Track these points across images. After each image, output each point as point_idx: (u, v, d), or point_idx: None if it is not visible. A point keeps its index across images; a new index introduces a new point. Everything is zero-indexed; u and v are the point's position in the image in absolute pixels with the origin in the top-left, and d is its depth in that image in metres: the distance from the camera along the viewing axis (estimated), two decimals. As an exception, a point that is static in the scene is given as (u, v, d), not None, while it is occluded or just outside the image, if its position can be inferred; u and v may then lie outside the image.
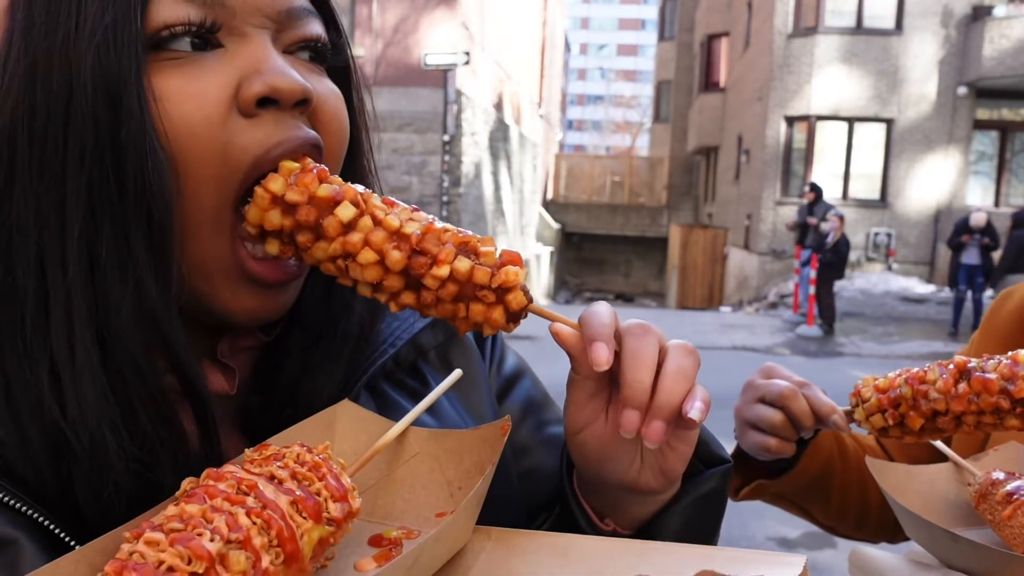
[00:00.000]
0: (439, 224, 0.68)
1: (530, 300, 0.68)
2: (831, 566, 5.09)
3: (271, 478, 0.57)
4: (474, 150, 17.07)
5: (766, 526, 5.44)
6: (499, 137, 19.72)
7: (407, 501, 0.71)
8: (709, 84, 27.23)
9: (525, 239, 24.16)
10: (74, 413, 0.59)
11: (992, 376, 0.92)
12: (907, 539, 1.45)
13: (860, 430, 1.10)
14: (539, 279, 24.07)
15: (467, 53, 14.84)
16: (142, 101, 0.61)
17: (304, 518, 0.56)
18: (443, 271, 0.65)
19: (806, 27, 18.05)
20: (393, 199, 0.70)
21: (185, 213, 0.64)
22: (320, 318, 0.76)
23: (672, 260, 26.53)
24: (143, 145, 0.60)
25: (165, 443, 0.63)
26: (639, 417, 0.68)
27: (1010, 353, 0.95)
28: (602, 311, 0.71)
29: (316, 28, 0.72)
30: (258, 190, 0.65)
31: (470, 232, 0.68)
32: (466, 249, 0.67)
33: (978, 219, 13.08)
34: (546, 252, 25.79)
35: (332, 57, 0.75)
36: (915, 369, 1.02)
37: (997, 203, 18.02)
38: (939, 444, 1.02)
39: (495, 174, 19.26)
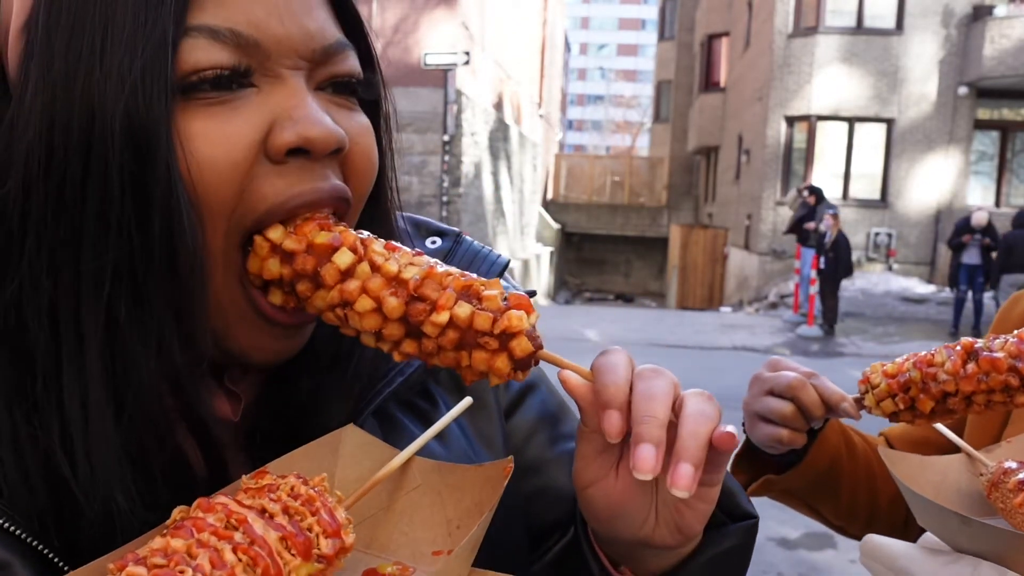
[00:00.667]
0: (441, 268, 0.65)
1: (538, 346, 0.65)
2: (831, 566, 5.09)
3: (262, 511, 0.55)
4: (474, 150, 17.06)
5: (766, 526, 5.43)
6: (499, 137, 19.72)
7: (405, 535, 0.69)
8: (709, 84, 27.22)
9: (525, 239, 24.17)
10: (85, 475, 0.57)
11: (1000, 355, 0.94)
12: (916, 539, 1.45)
13: (868, 425, 1.10)
14: (539, 279, 24.07)
15: (467, 53, 14.84)
16: (171, 156, 0.57)
17: (293, 555, 0.54)
18: (442, 317, 0.62)
19: (806, 27, 18.04)
20: (397, 244, 0.67)
21: (201, 256, 0.61)
22: (331, 344, 0.73)
23: (672, 260, 26.53)
24: (172, 202, 0.57)
25: (174, 501, 0.60)
26: (654, 455, 0.62)
27: (1016, 332, 0.97)
28: (618, 364, 0.67)
29: (351, 63, 0.69)
30: (257, 239, 0.64)
31: (474, 276, 0.66)
32: (468, 294, 0.64)
33: (979, 218, 13.07)
34: (546, 252, 25.80)
35: (364, 91, 0.72)
36: (922, 353, 1.03)
37: (998, 203, 18.01)
38: (951, 435, 1.03)
39: (495, 174, 19.26)
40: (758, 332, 13.98)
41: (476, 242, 0.87)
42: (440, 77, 14.82)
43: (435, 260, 0.66)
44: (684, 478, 0.61)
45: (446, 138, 15.37)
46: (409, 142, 15.46)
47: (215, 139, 0.60)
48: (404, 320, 0.63)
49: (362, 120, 0.70)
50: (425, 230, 0.87)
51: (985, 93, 17.76)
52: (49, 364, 0.58)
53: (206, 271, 0.61)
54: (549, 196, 32.62)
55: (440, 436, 0.77)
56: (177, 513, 0.55)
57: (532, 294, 0.89)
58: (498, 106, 19.62)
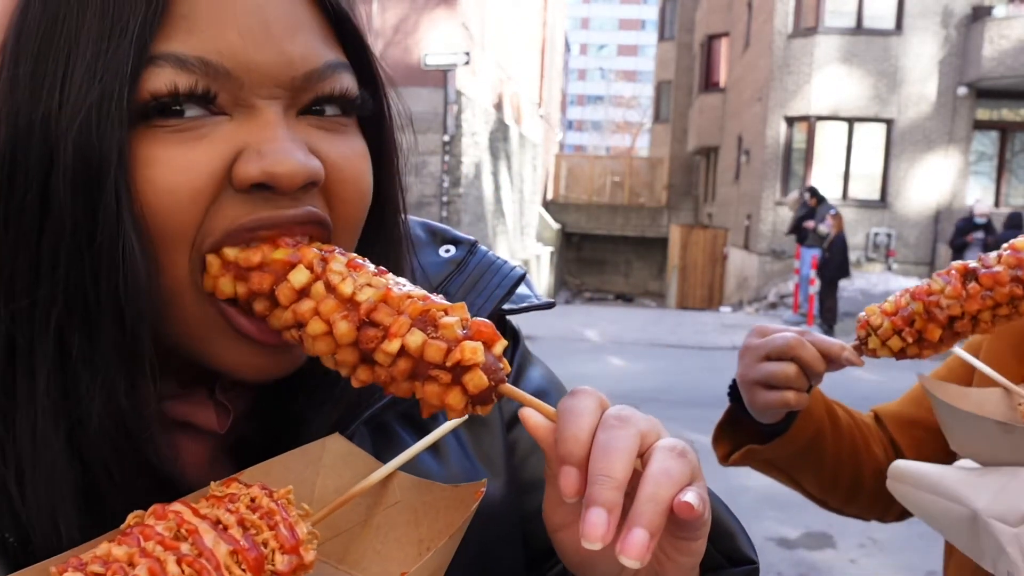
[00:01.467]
0: (399, 291, 0.60)
1: (498, 380, 0.59)
2: (831, 566, 5.09)
3: (216, 523, 0.54)
4: (474, 150, 17.06)
5: (766, 526, 5.44)
6: (499, 137, 19.72)
7: (378, 552, 0.67)
8: (709, 84, 27.22)
9: (525, 239, 24.17)
10: (32, 507, 0.56)
11: (999, 268, 0.97)
12: (897, 519, 1.46)
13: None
14: (539, 279, 24.06)
15: (467, 53, 14.83)
16: (121, 194, 0.55)
17: (243, 570, 0.52)
18: (393, 346, 0.58)
19: (806, 27, 18.04)
20: (361, 261, 0.63)
21: (164, 283, 0.59)
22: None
23: (672, 260, 26.52)
24: (117, 245, 0.55)
25: None
26: (606, 520, 0.54)
27: (1007, 244, 1.00)
28: (582, 411, 0.59)
29: (341, 84, 0.64)
30: (208, 256, 0.60)
31: (439, 299, 0.61)
32: (424, 320, 0.59)
33: (982, 207, 13.11)
34: (546, 252, 25.79)
35: (361, 107, 0.67)
36: (915, 285, 1.06)
37: (997, 203, 18.01)
38: (988, 370, 1.05)
39: (495, 174, 19.26)
40: (758, 332, 13.96)
41: (491, 252, 0.84)
42: (440, 77, 14.81)
43: (399, 280, 0.62)
44: (635, 547, 0.53)
45: (446, 138, 15.36)
46: (409, 142, 15.39)
47: (177, 166, 0.57)
48: (356, 346, 0.59)
49: (352, 145, 0.66)
50: (441, 238, 0.83)
51: (984, 93, 17.76)
52: (3, 395, 0.57)
53: (159, 283, 0.59)
54: (549, 196, 32.61)
55: (437, 452, 0.75)
56: (132, 518, 0.54)
57: (551, 305, 0.86)
58: (498, 106, 19.61)
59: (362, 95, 0.67)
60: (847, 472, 1.37)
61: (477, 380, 0.58)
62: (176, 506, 0.54)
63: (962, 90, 17.48)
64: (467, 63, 14.96)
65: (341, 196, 0.65)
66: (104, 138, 0.55)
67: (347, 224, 0.66)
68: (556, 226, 29.47)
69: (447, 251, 0.82)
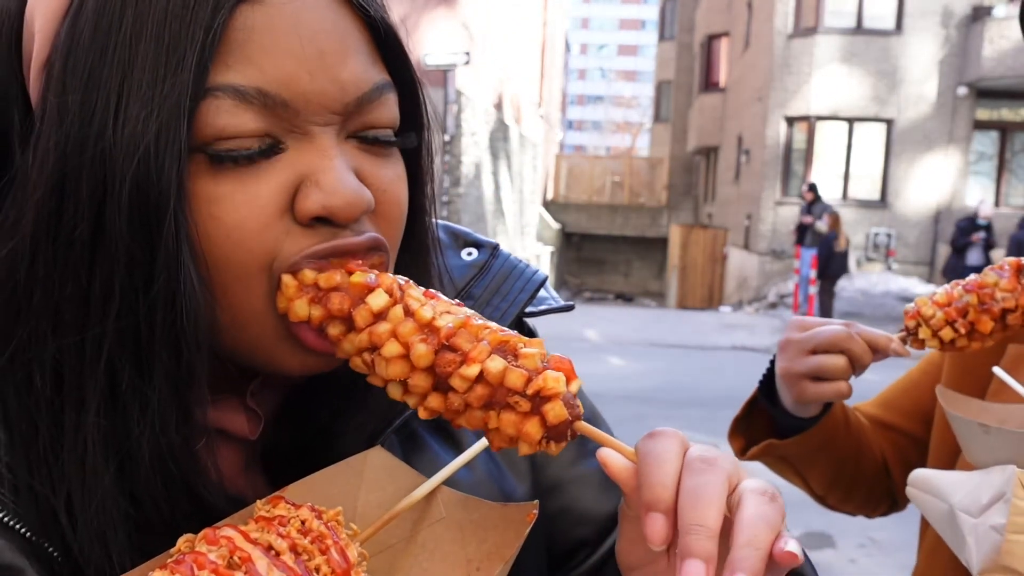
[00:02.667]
0: (478, 321, 0.60)
1: (576, 416, 0.58)
2: (831, 566, 5.09)
3: (268, 548, 0.53)
4: (474, 150, 17.06)
5: (766, 526, 5.43)
6: (499, 137, 19.72)
7: (425, 570, 0.66)
8: (709, 84, 27.22)
9: (525, 239, 24.17)
10: (83, 534, 0.56)
11: None
12: (883, 515, 1.48)
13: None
14: (539, 279, 24.03)
15: (467, 53, 14.83)
16: (180, 228, 0.54)
17: None
18: (472, 370, 0.57)
19: (806, 27, 18.05)
20: (436, 292, 0.63)
21: (239, 310, 0.60)
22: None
23: (672, 260, 26.52)
24: (176, 279, 0.55)
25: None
26: (704, 571, 0.53)
27: None
28: (666, 455, 0.57)
29: (387, 111, 0.65)
30: (284, 276, 0.60)
31: (514, 333, 0.60)
32: (504, 349, 0.59)
33: (986, 210, 13.11)
34: (546, 252, 25.79)
35: (404, 139, 0.68)
36: (967, 279, 1.07)
37: (997, 203, 18.01)
38: (1013, 383, 1.05)
39: (495, 174, 19.26)
40: (757, 332, 13.98)
41: (513, 256, 0.84)
42: (440, 77, 14.81)
43: (473, 312, 0.62)
44: None
45: (446, 138, 15.36)
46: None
47: (240, 201, 0.57)
48: (432, 371, 0.58)
49: (395, 169, 0.67)
50: (463, 241, 0.83)
51: (984, 93, 17.76)
52: (51, 422, 0.56)
53: (221, 313, 0.59)
54: (549, 196, 32.61)
55: None
56: (183, 543, 0.54)
57: (570, 307, 0.86)
58: (498, 106, 19.61)
59: (408, 113, 0.68)
60: (849, 469, 1.39)
61: (558, 410, 0.57)
62: (227, 531, 0.54)
63: (962, 90, 17.48)
64: (467, 63, 14.96)
65: (386, 218, 0.65)
66: (163, 172, 0.54)
67: (392, 244, 0.67)
68: (556, 226, 29.48)
69: (469, 254, 0.82)
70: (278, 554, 0.53)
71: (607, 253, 32.78)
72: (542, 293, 0.83)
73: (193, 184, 0.56)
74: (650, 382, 9.70)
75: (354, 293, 0.60)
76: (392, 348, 0.58)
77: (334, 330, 0.60)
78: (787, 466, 1.38)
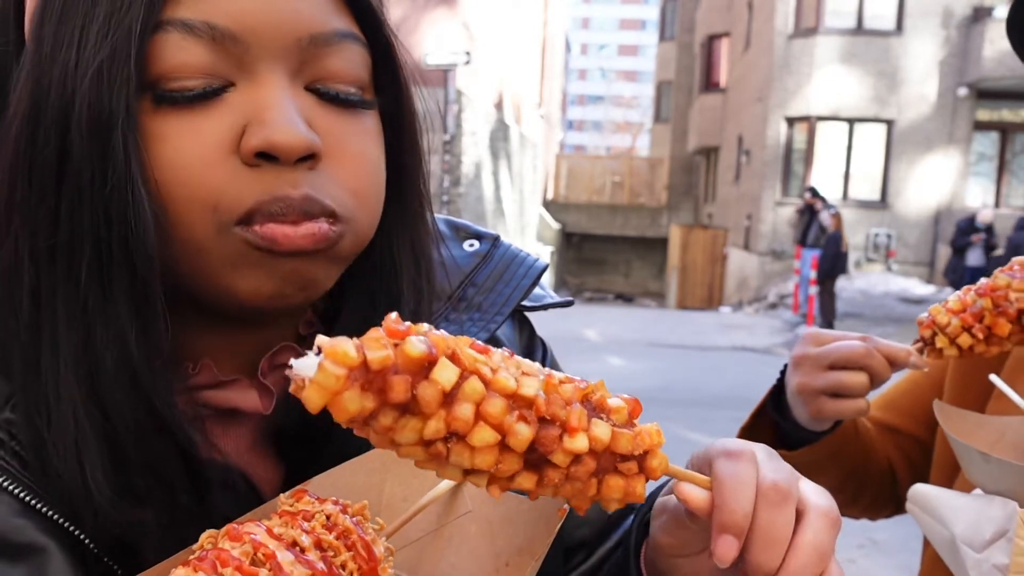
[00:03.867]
0: (556, 376, 0.52)
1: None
2: (830, 566, 5.09)
3: (292, 544, 0.52)
4: (474, 150, 17.06)
5: (765, 526, 5.43)
6: (499, 137, 19.71)
7: (452, 565, 0.64)
8: (709, 84, 27.21)
9: (525, 239, 24.16)
10: (60, 449, 0.58)
11: None
12: (887, 517, 1.46)
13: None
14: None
15: (467, 53, 14.83)
16: (129, 146, 0.57)
17: None
18: (579, 443, 0.50)
19: (806, 28, 18.04)
20: (478, 341, 0.52)
21: (179, 246, 0.60)
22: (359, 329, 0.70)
23: (672, 260, 26.51)
24: (127, 196, 0.57)
25: (151, 495, 0.60)
26: None
27: None
28: (743, 476, 0.58)
29: (349, 64, 0.63)
30: (324, 363, 0.45)
31: (578, 379, 0.54)
32: (592, 404, 0.52)
33: (986, 216, 13.10)
34: (546, 252, 25.79)
35: (379, 101, 0.67)
36: (978, 283, 1.05)
37: (997, 204, 18.01)
38: (1011, 393, 1.03)
39: (495, 174, 19.25)
40: (757, 332, 13.98)
41: (513, 245, 0.84)
42: (440, 77, 14.81)
43: (537, 363, 0.54)
44: None
45: (446, 138, 15.36)
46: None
47: (185, 138, 0.59)
48: (526, 452, 0.50)
49: (358, 125, 0.65)
50: (464, 233, 0.83)
51: (985, 94, 17.75)
52: (30, 348, 0.59)
53: (186, 251, 0.60)
54: (549, 196, 32.60)
55: None
56: (205, 539, 0.53)
57: (570, 303, 0.86)
58: (498, 106, 19.61)
59: (381, 76, 0.67)
60: (857, 475, 1.37)
61: (659, 462, 0.54)
62: (250, 527, 0.52)
63: (962, 91, 17.48)
64: (467, 63, 14.96)
65: (344, 172, 0.63)
66: (114, 95, 0.56)
67: (360, 205, 0.64)
68: (556, 226, 29.47)
69: (471, 245, 0.83)
70: (303, 550, 0.52)
71: (607, 253, 32.78)
72: (538, 290, 0.83)
73: (142, 122, 0.58)
74: (650, 382, 9.69)
75: (411, 368, 0.47)
76: (485, 435, 0.48)
77: (385, 420, 0.47)
78: None
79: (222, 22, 0.58)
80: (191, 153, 0.59)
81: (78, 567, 0.58)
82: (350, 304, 0.72)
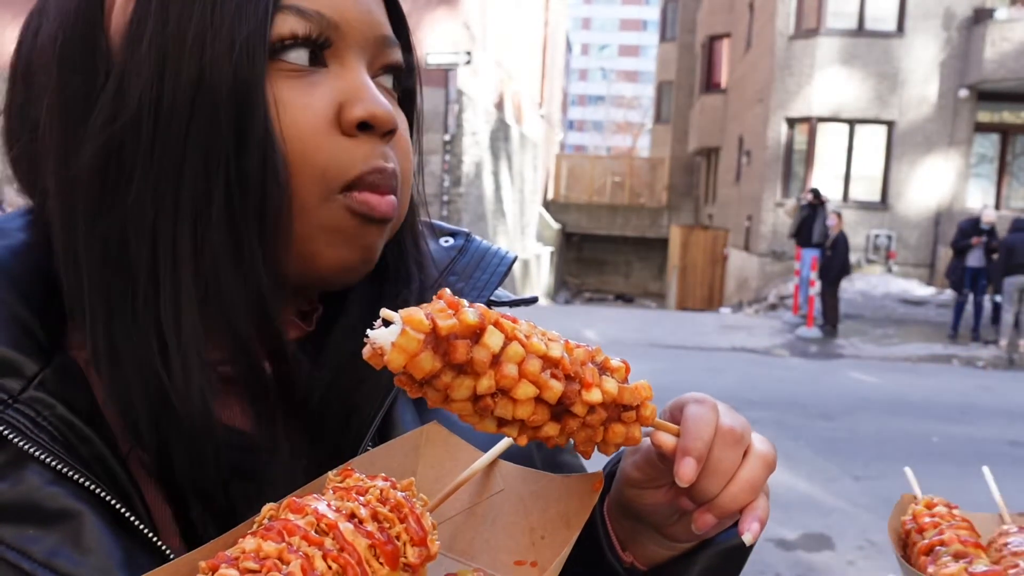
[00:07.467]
0: (571, 341, 0.63)
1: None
2: (829, 567, 5.09)
3: (351, 516, 0.55)
4: (475, 150, 17.06)
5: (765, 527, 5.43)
6: (500, 137, 19.72)
7: (486, 541, 0.68)
8: (710, 85, 27.23)
9: (525, 239, 24.17)
10: (180, 383, 0.62)
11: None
12: None
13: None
14: (539, 279, 24.07)
15: (468, 53, 14.84)
16: (266, 107, 0.64)
17: (380, 564, 0.54)
18: (595, 396, 0.60)
19: (807, 29, 18.05)
20: (509, 314, 0.62)
21: (294, 203, 0.67)
22: (366, 307, 0.75)
23: (672, 261, 26.53)
24: (266, 145, 0.63)
25: (273, 423, 0.67)
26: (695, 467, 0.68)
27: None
28: (705, 418, 0.68)
29: (399, 56, 0.75)
30: (406, 330, 0.54)
31: (585, 345, 0.64)
32: (598, 365, 0.62)
33: (989, 216, 13.07)
34: (546, 252, 25.80)
35: (403, 85, 0.78)
36: None
37: (997, 206, 18.01)
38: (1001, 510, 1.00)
39: (496, 174, 19.26)
40: (757, 333, 13.98)
41: (484, 241, 0.91)
42: (441, 77, 14.81)
43: (554, 331, 0.64)
44: (706, 523, 0.70)
45: (447, 137, 15.36)
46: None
47: (299, 106, 0.66)
48: (552, 404, 0.59)
49: (401, 113, 0.76)
50: (439, 232, 0.90)
51: (985, 96, 17.76)
52: (148, 283, 0.63)
53: (293, 210, 0.65)
54: (550, 196, 32.61)
55: None
56: (267, 510, 0.56)
57: (534, 300, 0.93)
58: (499, 106, 19.61)
59: (405, 76, 0.77)
60: None
61: (650, 412, 0.65)
62: (309, 499, 0.56)
63: (963, 92, 17.48)
64: (468, 62, 14.97)
65: (401, 153, 0.73)
66: (254, 66, 0.64)
67: (405, 185, 0.74)
68: (556, 226, 29.48)
69: (447, 242, 0.90)
70: (361, 522, 0.55)
71: (607, 253, 32.81)
72: (500, 291, 0.90)
73: (268, 85, 0.65)
74: (650, 382, 9.67)
75: (467, 334, 0.56)
76: (526, 390, 0.58)
77: (446, 379, 0.56)
78: None
79: (328, 12, 0.68)
80: (305, 122, 0.66)
81: (117, 531, 0.60)
82: (359, 287, 0.76)
